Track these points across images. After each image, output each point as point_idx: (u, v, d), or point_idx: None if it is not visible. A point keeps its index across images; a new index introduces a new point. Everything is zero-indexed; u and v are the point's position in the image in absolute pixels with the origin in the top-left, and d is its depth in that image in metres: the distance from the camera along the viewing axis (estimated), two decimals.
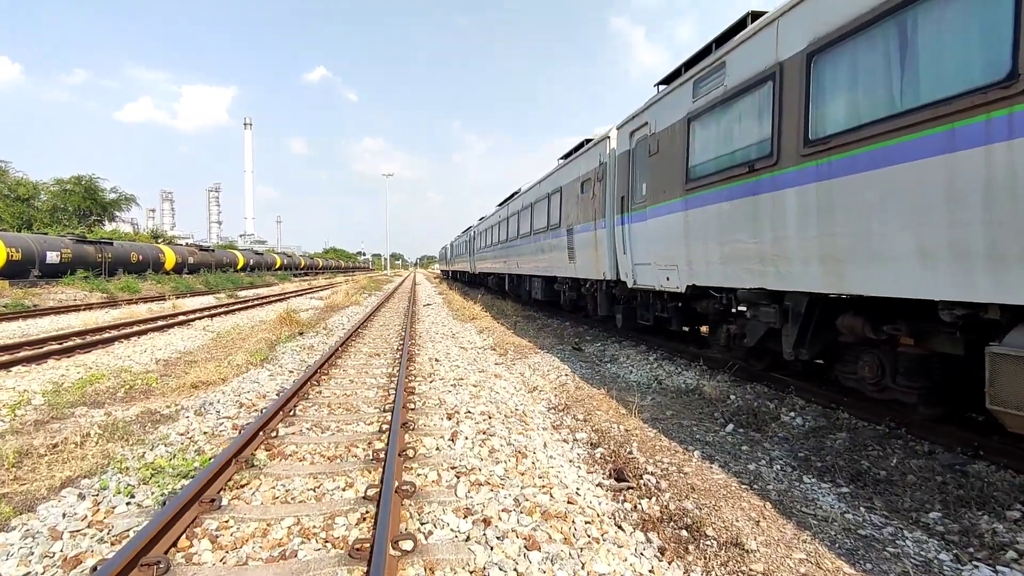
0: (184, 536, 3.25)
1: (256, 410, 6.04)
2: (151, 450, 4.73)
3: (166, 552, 3.04)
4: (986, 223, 3.34)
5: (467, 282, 39.86)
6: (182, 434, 5.20)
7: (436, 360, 9.07)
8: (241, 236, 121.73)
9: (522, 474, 4.16)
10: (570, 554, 3.03)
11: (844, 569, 3.00)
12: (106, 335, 11.97)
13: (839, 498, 3.90)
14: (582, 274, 11.78)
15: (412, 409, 5.96)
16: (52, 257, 24.44)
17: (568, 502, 3.69)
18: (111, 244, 29.38)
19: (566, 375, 8.08)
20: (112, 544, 3.21)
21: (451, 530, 3.33)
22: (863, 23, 4.14)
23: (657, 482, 4.06)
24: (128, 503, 3.71)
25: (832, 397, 5.95)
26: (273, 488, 4.00)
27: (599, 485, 4.11)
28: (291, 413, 5.85)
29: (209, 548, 3.15)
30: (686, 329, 9.46)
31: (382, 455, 4.48)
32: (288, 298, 25.38)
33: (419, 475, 4.19)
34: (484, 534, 3.21)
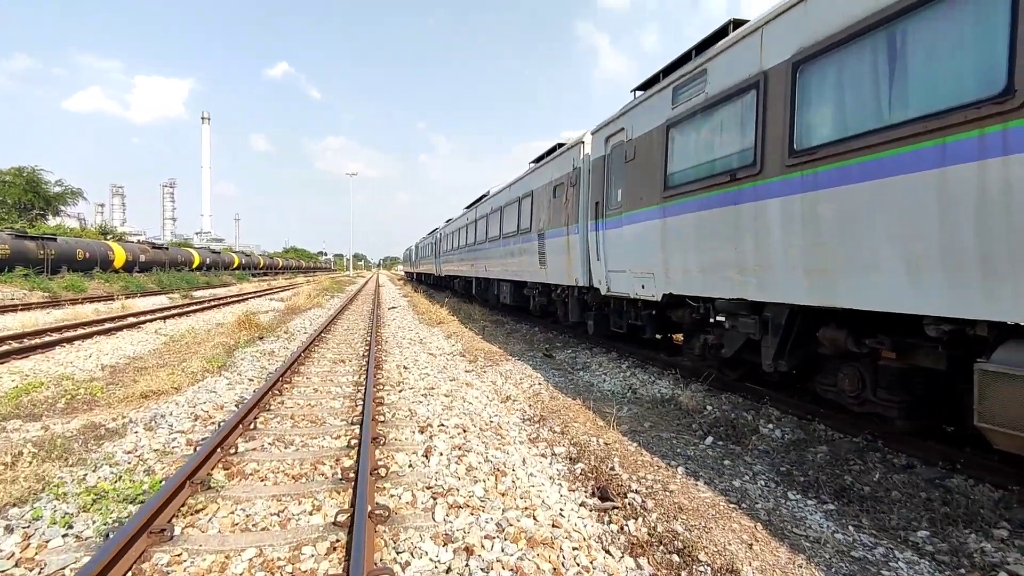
0: (130, 575, 2.91)
1: (213, 423, 5.64)
2: (94, 471, 4.31)
3: None
4: (979, 239, 3.31)
5: (432, 285, 39.35)
6: (130, 452, 4.78)
7: (404, 367, 8.76)
8: (197, 234, 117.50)
9: (503, 494, 3.94)
10: None
11: None
12: (46, 338, 11.17)
13: (826, 516, 3.82)
14: (553, 280, 11.63)
15: (382, 421, 5.67)
16: None
17: (553, 525, 3.49)
18: (54, 240, 27.73)
19: (539, 384, 7.90)
20: None
21: (431, 560, 3.08)
22: (853, 34, 4.09)
23: (643, 501, 3.90)
24: (65, 535, 3.32)
25: (807, 408, 5.94)
26: (232, 513, 3.67)
27: (583, 504, 3.92)
28: (251, 426, 5.48)
29: None
30: (659, 337, 9.40)
31: (352, 474, 4.19)
32: (247, 299, 24.47)
33: (392, 496, 3.93)
34: (467, 565, 2.98)
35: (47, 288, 22.80)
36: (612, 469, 4.50)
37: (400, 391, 7.13)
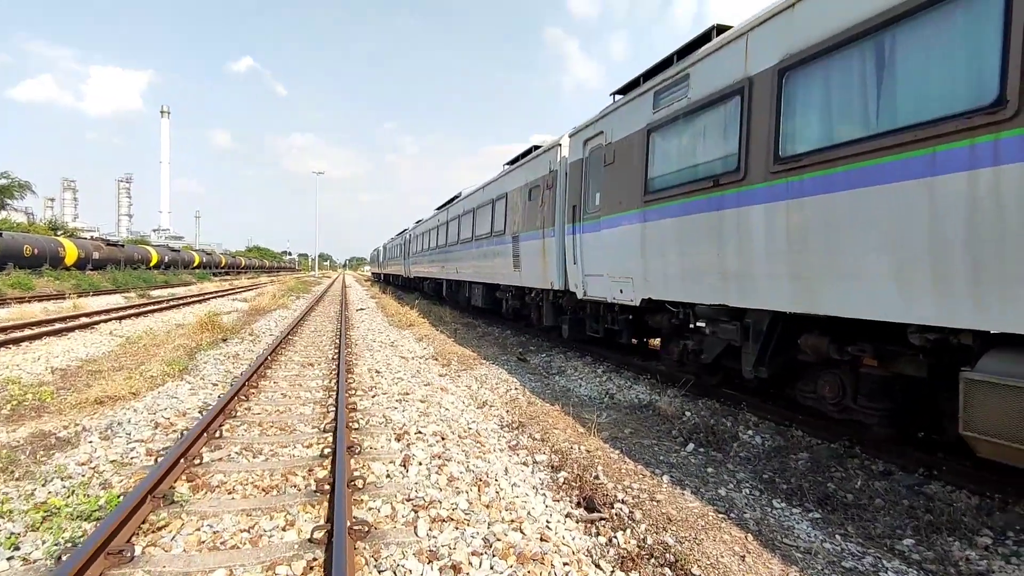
0: None
1: (175, 431, 5.32)
2: (43, 485, 3.98)
3: None
4: (969, 249, 3.33)
5: (401, 286, 38.82)
6: (84, 463, 4.45)
7: (376, 371, 8.52)
8: (155, 231, 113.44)
9: (487, 506, 3.79)
10: None
11: None
12: None
13: (813, 525, 3.80)
14: (528, 283, 11.53)
15: (356, 429, 5.45)
16: None
17: (541, 539, 3.36)
18: None
19: (516, 388, 7.77)
20: None
21: None
22: (841, 41, 4.10)
23: (630, 511, 3.80)
24: (10, 558, 3.03)
25: (784, 414, 5.98)
26: (199, 530, 3.42)
27: (568, 516, 3.80)
28: (217, 435, 5.19)
29: None
30: (635, 342, 9.39)
31: (327, 486, 3.98)
32: (209, 299, 23.63)
33: (371, 509, 3.74)
34: None
35: None
36: (596, 478, 4.40)
37: (373, 396, 6.90)
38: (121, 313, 16.10)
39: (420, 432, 5.36)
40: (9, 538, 3.20)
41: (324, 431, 5.44)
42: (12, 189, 39.92)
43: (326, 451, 4.80)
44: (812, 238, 4.40)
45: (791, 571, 3.16)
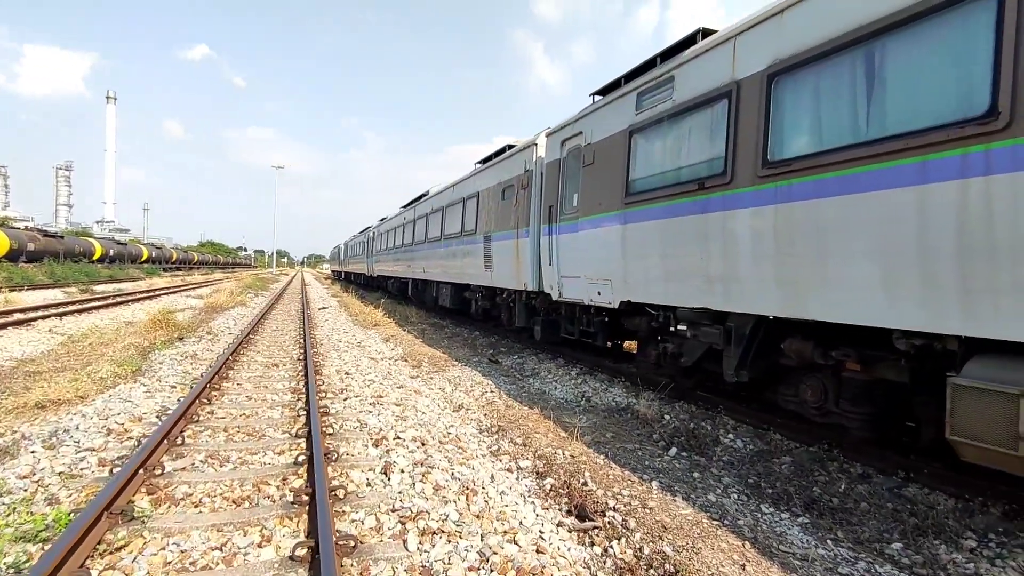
0: None
1: (131, 438, 4.93)
2: None
3: None
4: (959, 256, 3.36)
5: (363, 285, 38.02)
6: (26, 476, 4.03)
7: (346, 373, 8.20)
8: (99, 223, 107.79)
9: (478, 517, 3.62)
10: None
11: None
12: None
13: (803, 530, 3.80)
14: (499, 283, 11.37)
15: (329, 434, 5.19)
16: None
17: (537, 551, 3.23)
18: None
19: (491, 391, 7.61)
20: None
21: None
22: (832, 48, 4.12)
23: (624, 520, 3.71)
24: None
25: (762, 417, 6.01)
26: (164, 549, 3.13)
27: (560, 525, 3.68)
28: (179, 441, 4.84)
29: None
30: (610, 345, 9.36)
31: (304, 496, 3.74)
32: (160, 295, 22.49)
33: (354, 522, 3.52)
34: None
35: None
36: (585, 485, 4.29)
37: (345, 399, 6.62)
38: (62, 309, 15.12)
39: (399, 437, 5.14)
40: None
41: (296, 436, 5.16)
42: None
43: (300, 458, 4.53)
44: (801, 243, 4.41)
45: None
